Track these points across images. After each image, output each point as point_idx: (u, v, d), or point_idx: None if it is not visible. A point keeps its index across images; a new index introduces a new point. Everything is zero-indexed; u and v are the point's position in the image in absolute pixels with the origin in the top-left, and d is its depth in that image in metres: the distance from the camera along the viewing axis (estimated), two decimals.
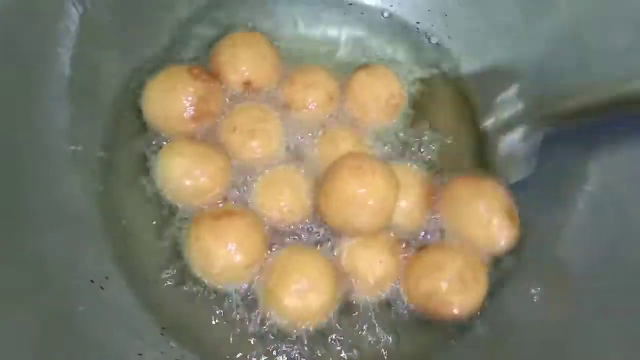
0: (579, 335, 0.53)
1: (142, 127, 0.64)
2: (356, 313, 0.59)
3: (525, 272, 0.61)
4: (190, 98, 0.61)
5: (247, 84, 0.66)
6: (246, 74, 0.65)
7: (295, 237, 0.61)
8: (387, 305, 0.60)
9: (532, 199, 0.63)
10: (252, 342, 0.57)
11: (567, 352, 0.53)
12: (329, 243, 0.61)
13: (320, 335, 0.58)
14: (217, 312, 0.58)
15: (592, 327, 0.53)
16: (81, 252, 0.55)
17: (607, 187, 0.60)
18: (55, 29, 0.55)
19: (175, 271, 0.59)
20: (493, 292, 0.60)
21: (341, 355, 0.58)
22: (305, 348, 0.57)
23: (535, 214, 0.62)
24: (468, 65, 0.75)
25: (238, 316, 0.58)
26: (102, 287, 0.55)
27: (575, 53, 0.64)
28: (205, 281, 0.58)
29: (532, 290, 0.59)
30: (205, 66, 0.66)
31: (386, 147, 0.67)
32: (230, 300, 0.58)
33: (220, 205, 0.60)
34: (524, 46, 0.70)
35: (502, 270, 0.62)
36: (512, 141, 0.66)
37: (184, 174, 0.59)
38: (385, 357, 0.58)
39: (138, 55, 0.67)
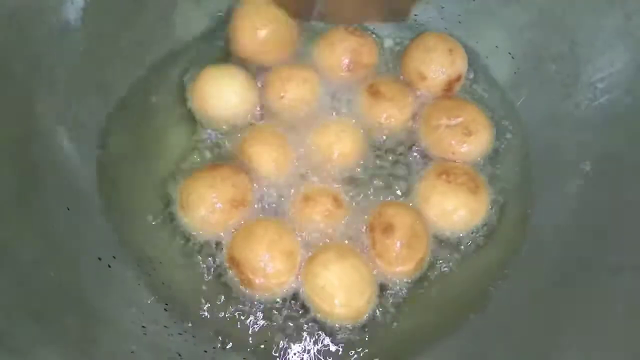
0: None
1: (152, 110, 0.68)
2: None
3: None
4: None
5: None
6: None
7: None
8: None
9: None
10: (256, 320, 0.60)
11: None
12: None
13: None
14: (221, 289, 0.60)
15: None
16: (89, 230, 0.58)
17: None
18: (60, 21, 0.59)
19: (180, 250, 0.62)
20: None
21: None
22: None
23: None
24: None
25: (241, 294, 0.60)
26: (109, 265, 0.58)
27: None
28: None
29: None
30: None
31: None
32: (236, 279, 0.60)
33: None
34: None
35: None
36: None
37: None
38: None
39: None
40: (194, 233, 0.62)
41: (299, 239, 0.62)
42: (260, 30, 0.69)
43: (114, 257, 0.59)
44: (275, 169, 0.65)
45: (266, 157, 0.65)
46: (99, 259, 0.57)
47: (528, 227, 0.65)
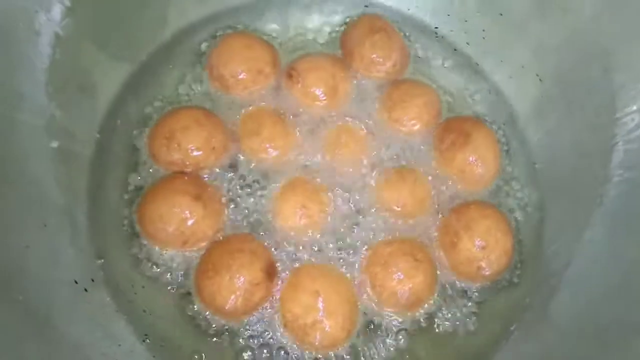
0: None
1: (134, 123, 0.64)
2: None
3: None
4: None
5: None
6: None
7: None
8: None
9: None
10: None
11: None
12: None
13: None
14: (203, 324, 0.56)
15: None
16: (67, 252, 0.54)
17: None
18: (39, 23, 0.55)
19: (162, 280, 0.57)
20: None
21: None
22: None
23: None
24: None
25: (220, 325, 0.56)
26: (85, 290, 0.53)
27: None
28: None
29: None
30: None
31: None
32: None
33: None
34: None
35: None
36: None
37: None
38: None
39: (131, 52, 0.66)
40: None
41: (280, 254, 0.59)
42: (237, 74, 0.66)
43: (92, 280, 0.54)
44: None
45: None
46: (75, 282, 0.53)
47: (541, 275, 0.61)
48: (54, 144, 0.56)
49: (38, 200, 0.53)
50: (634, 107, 0.58)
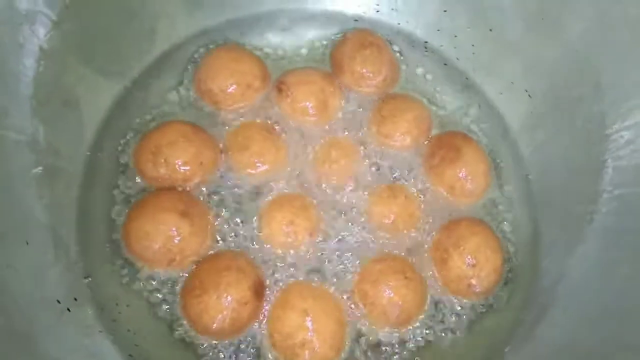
0: None
1: (122, 138, 0.63)
2: None
3: None
4: None
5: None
6: None
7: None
8: None
9: None
10: None
11: None
12: None
13: None
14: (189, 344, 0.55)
15: None
16: (50, 270, 0.53)
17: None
18: (23, 36, 0.54)
19: (148, 299, 0.56)
20: None
21: None
22: None
23: None
24: None
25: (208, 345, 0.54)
26: (68, 309, 0.52)
27: None
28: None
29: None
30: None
31: None
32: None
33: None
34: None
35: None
36: None
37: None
38: None
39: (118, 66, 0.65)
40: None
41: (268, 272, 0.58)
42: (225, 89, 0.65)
43: (75, 300, 0.53)
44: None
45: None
46: (58, 301, 0.52)
47: (533, 291, 0.60)
48: (38, 159, 0.54)
49: (21, 217, 0.52)
50: (624, 124, 0.58)
